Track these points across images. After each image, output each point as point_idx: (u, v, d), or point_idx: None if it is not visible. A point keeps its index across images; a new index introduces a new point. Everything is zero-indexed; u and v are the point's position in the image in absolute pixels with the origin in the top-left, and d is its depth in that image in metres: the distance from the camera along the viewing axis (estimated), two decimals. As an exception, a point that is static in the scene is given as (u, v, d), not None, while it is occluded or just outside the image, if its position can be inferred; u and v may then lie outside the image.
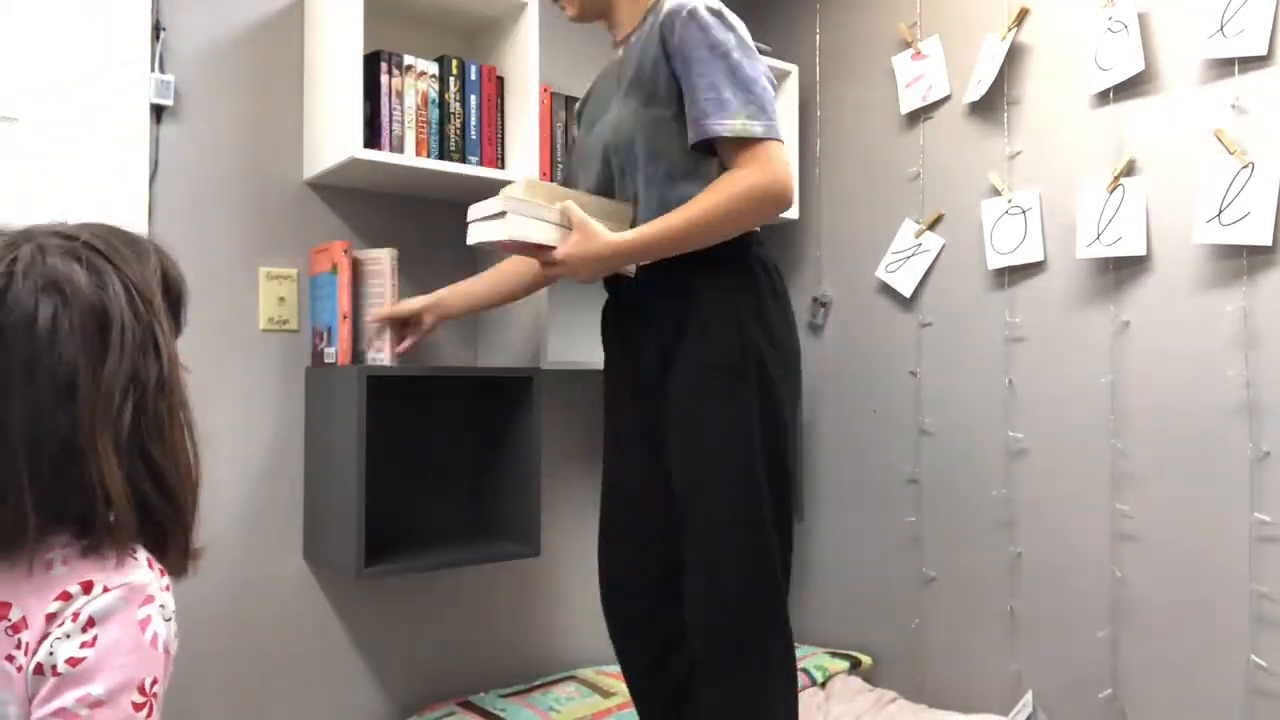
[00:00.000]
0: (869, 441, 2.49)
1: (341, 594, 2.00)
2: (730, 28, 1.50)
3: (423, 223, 2.13)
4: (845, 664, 2.39)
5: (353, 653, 2.02)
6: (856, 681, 2.34)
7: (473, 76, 1.99)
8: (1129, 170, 1.97)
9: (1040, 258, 2.12)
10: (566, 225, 1.50)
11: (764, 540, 1.50)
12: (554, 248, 1.50)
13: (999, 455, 2.21)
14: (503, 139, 2.05)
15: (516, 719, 1.97)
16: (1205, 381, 1.86)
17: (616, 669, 2.27)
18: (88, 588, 0.78)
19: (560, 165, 2.18)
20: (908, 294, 2.39)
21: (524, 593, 2.29)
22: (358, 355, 1.87)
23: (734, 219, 1.47)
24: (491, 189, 2.03)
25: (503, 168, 2.05)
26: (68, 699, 0.75)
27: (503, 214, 1.46)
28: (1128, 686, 1.97)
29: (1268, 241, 1.75)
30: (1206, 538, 1.86)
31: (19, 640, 0.77)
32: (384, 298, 1.85)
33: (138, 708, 0.77)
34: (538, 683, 2.20)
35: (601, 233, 1.48)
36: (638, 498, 1.66)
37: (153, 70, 1.77)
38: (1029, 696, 2.09)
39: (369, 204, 2.05)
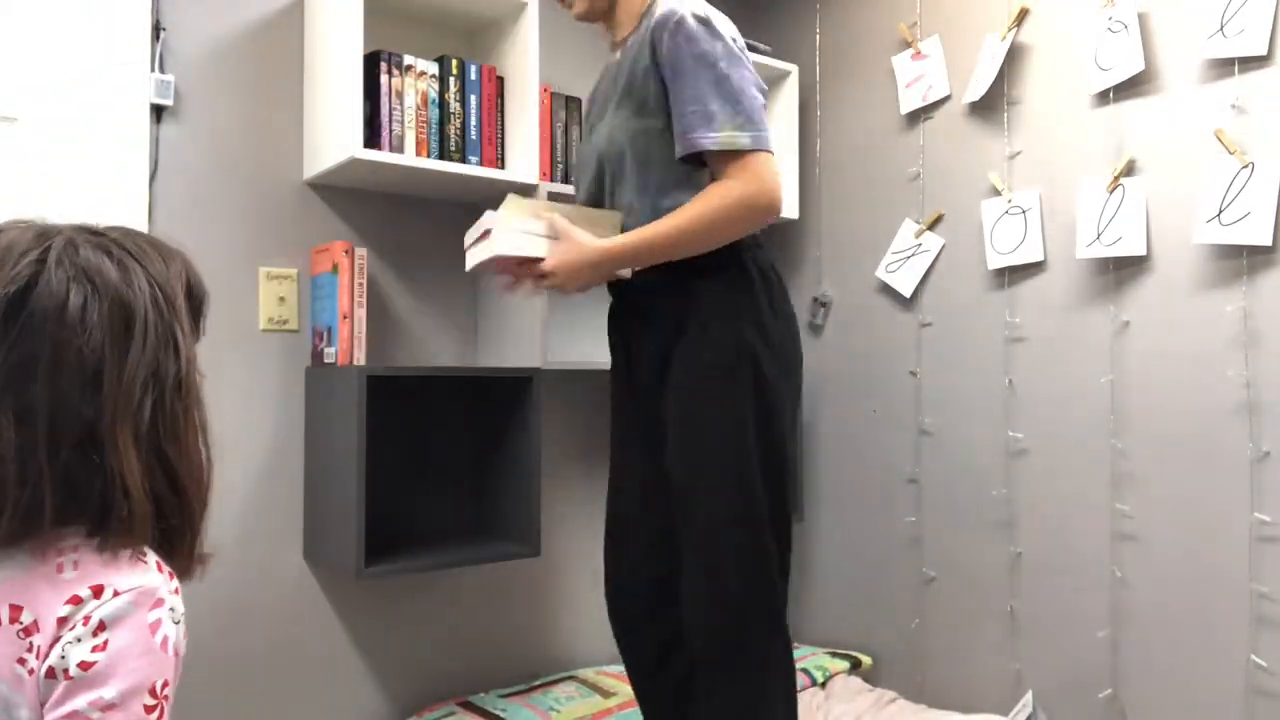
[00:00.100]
0: (869, 441, 2.50)
1: (341, 594, 2.00)
2: (718, 36, 1.48)
3: (423, 223, 2.12)
4: (845, 664, 2.39)
5: (353, 653, 2.01)
6: (856, 681, 2.34)
7: (473, 76, 1.99)
8: (1129, 170, 1.97)
9: (1040, 258, 2.12)
10: (554, 237, 1.53)
11: (762, 540, 1.50)
12: (543, 259, 1.52)
13: (999, 455, 2.21)
14: (503, 139, 2.05)
15: (516, 719, 1.97)
16: (1205, 381, 1.87)
17: (616, 669, 2.28)
18: (98, 591, 0.78)
19: (560, 165, 2.18)
20: (908, 294, 2.39)
21: (524, 593, 2.29)
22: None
23: (721, 228, 1.47)
24: (491, 189, 2.03)
25: (503, 168, 2.04)
26: (80, 702, 0.75)
27: (489, 233, 1.50)
28: (1128, 686, 1.98)
29: (1268, 241, 1.76)
30: (1206, 538, 1.86)
31: (30, 644, 0.76)
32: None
33: (149, 710, 0.77)
34: (538, 683, 2.20)
35: (588, 240, 1.49)
36: (640, 497, 1.66)
37: (153, 70, 1.76)
38: (1029, 696, 2.09)
39: (369, 204, 2.05)
